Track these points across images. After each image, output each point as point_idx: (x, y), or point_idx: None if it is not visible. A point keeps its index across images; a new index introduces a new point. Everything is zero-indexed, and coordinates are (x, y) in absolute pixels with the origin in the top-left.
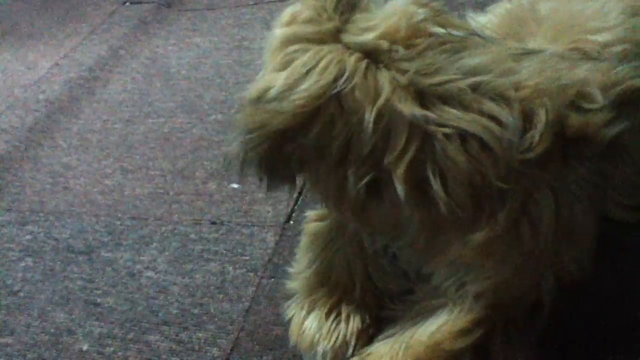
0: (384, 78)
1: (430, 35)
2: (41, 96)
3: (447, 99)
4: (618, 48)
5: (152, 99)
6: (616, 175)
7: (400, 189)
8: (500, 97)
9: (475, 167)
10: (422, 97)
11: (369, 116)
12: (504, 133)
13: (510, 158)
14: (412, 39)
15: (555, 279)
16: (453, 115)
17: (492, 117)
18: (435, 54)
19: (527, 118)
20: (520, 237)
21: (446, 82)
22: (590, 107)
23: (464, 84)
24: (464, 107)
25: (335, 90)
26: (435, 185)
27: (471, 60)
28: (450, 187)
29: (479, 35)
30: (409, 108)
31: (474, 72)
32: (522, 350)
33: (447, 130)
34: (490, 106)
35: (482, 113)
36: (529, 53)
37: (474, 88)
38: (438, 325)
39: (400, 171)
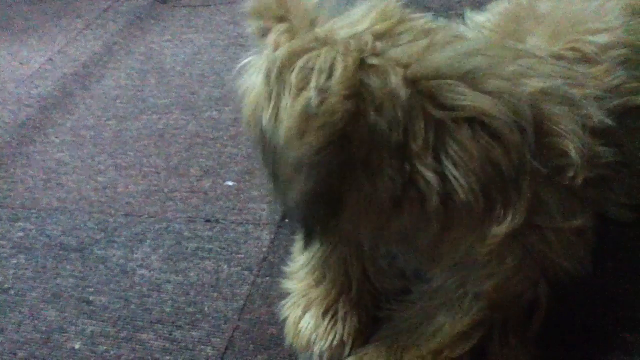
0: (383, 70)
1: (415, 26)
2: (34, 91)
3: (441, 89)
4: (617, 52)
5: (147, 95)
6: (614, 175)
7: (430, 176)
8: (497, 89)
9: (487, 155)
10: (419, 85)
11: (377, 110)
12: (508, 121)
13: (521, 148)
14: (399, 30)
15: (553, 278)
16: (452, 102)
17: (493, 105)
18: (423, 44)
19: (537, 114)
20: (524, 235)
21: (439, 71)
22: (593, 126)
23: (457, 72)
24: (460, 94)
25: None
26: (454, 172)
27: (461, 49)
28: (463, 177)
29: (465, 26)
30: (406, 94)
31: (466, 61)
32: (519, 350)
33: (454, 114)
34: (485, 97)
35: (480, 100)
36: (522, 50)
37: (469, 77)
38: (436, 327)
39: (429, 159)
